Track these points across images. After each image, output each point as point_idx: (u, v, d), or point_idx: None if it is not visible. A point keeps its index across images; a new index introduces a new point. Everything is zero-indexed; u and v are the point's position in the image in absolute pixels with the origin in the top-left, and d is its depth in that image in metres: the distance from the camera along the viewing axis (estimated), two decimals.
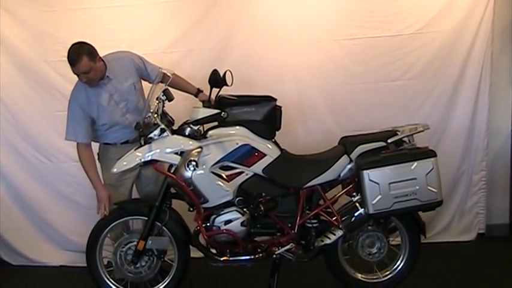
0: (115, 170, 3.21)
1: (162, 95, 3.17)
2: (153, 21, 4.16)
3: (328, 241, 3.20)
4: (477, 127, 4.35)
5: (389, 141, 3.20)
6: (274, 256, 3.26)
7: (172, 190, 3.30)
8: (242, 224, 3.16)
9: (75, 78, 3.44)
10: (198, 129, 3.22)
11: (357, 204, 3.20)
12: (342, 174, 3.26)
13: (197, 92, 3.64)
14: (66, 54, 3.28)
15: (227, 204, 3.19)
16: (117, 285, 3.40)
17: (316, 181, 3.23)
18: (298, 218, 3.24)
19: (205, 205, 3.19)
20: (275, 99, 3.28)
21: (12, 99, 4.16)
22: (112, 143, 3.52)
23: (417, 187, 3.09)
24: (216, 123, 3.24)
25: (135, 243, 3.28)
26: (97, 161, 3.56)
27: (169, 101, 3.21)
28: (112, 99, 3.43)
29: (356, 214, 3.20)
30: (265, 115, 3.23)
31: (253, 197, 3.22)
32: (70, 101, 3.42)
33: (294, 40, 4.20)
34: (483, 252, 4.24)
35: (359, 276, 3.41)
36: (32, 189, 4.24)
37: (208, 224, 3.21)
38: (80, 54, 3.22)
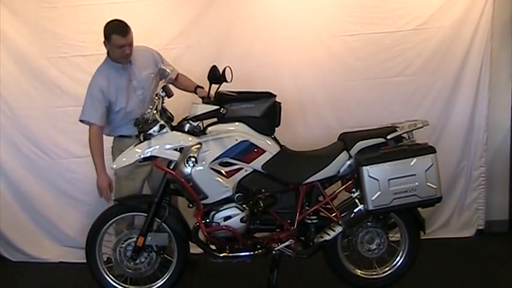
0: (114, 166, 3.22)
1: (162, 91, 3.18)
2: (153, 18, 4.14)
3: (327, 237, 3.20)
4: (477, 123, 4.35)
5: (388, 137, 3.21)
6: (274, 252, 3.26)
7: (172, 186, 3.30)
8: (241, 220, 3.16)
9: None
10: (197, 125, 3.22)
11: (357, 201, 3.20)
12: (341, 171, 3.27)
13: (196, 88, 3.64)
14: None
15: (226, 201, 3.19)
16: (117, 281, 3.40)
17: (315, 177, 3.23)
18: (298, 214, 3.24)
19: (204, 201, 3.18)
20: (274, 96, 3.28)
21: (12, 95, 4.15)
22: (127, 135, 3.56)
23: (416, 183, 3.09)
24: (215, 120, 3.24)
25: (134, 239, 3.29)
26: (111, 155, 3.57)
27: (169, 97, 3.21)
28: (131, 84, 3.51)
29: (355, 210, 3.20)
30: (264, 111, 3.23)
31: (253, 193, 3.22)
32: (90, 83, 3.47)
33: (293, 36, 4.19)
34: (482, 248, 4.24)
35: (358, 272, 3.41)
36: (31, 186, 4.23)
37: (207, 220, 3.20)
38: (128, 26, 3.37)
